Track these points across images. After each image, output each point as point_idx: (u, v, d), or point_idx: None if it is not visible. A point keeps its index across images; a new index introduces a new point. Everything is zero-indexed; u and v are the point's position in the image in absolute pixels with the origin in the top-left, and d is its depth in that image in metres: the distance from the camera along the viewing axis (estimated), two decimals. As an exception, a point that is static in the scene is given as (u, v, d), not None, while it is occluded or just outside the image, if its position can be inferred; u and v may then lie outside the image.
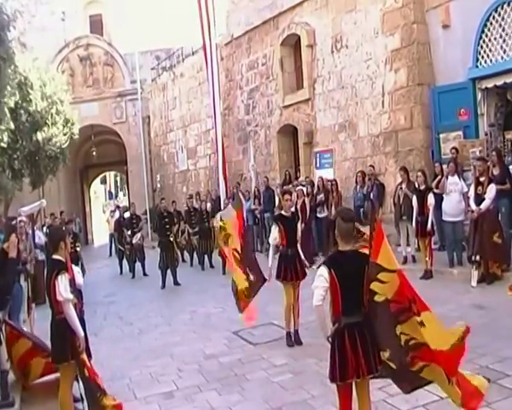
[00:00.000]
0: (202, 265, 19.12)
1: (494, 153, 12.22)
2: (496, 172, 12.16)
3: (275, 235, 9.28)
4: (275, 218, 10.12)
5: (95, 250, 34.80)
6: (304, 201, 16.62)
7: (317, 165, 19.13)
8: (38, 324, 9.93)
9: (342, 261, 5.11)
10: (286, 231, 9.24)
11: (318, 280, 5.11)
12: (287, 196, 9.47)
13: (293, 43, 20.33)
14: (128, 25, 29.96)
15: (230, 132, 23.79)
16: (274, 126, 21.35)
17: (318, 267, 5.95)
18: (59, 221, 20.20)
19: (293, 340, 9.21)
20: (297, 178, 19.82)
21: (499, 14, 13.79)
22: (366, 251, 5.19)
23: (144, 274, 19.17)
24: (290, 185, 18.51)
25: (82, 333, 6.57)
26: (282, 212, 9.54)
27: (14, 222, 11.47)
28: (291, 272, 9.15)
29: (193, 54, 26.14)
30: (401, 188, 13.71)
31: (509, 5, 13.55)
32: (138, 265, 19.50)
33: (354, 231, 5.30)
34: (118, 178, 63.86)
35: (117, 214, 25.89)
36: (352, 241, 5.23)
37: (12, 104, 19.74)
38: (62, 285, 6.45)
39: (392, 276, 4.98)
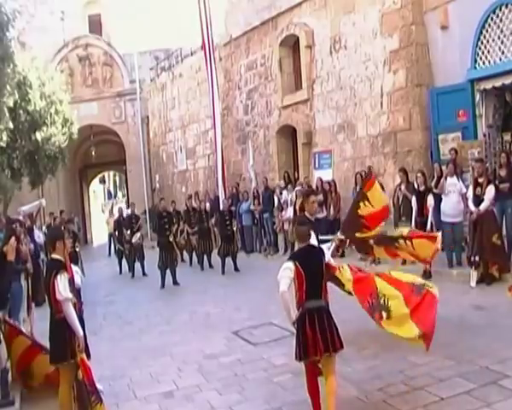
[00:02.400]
0: (201, 265, 19.11)
1: (503, 154, 12.22)
2: (503, 173, 12.20)
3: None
4: (300, 220, 9.56)
5: (94, 250, 34.80)
6: (302, 201, 16.57)
7: (316, 165, 19.15)
8: (38, 323, 9.92)
9: (303, 255, 6.13)
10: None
11: (284, 272, 6.01)
12: (313, 198, 8.14)
13: (291, 44, 20.34)
14: (127, 25, 30.00)
15: (229, 133, 23.80)
16: (273, 127, 21.37)
17: None
18: (58, 221, 20.19)
19: None
20: (296, 179, 19.84)
21: (497, 16, 13.81)
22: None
23: (144, 274, 19.17)
24: (288, 186, 18.56)
25: (81, 333, 6.58)
26: (306, 214, 7.93)
27: (14, 225, 11.48)
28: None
29: (192, 54, 26.16)
30: (400, 189, 13.72)
31: (506, 7, 13.57)
32: (138, 265, 19.50)
33: (308, 233, 6.35)
34: (117, 178, 63.88)
35: (116, 214, 25.89)
36: (307, 240, 6.26)
37: (11, 104, 19.73)
38: (62, 285, 6.47)
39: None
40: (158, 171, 32.38)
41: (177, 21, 28.40)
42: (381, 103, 16.34)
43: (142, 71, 31.23)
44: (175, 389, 7.84)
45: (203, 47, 22.37)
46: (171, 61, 29.51)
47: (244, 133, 23.21)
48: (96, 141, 36.70)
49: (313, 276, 5.99)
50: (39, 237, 16.03)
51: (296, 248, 6.54)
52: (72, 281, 6.71)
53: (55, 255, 6.74)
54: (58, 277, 6.49)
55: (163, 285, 16.35)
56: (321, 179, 17.51)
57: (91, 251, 33.19)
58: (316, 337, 5.91)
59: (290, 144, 21.20)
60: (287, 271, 5.98)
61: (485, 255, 11.33)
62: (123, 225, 20.52)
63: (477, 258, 11.41)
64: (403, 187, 13.61)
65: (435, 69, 15.43)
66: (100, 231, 40.77)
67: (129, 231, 19.84)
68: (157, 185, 32.37)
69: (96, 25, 35.05)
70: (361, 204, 9.13)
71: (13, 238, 8.46)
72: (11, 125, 20.16)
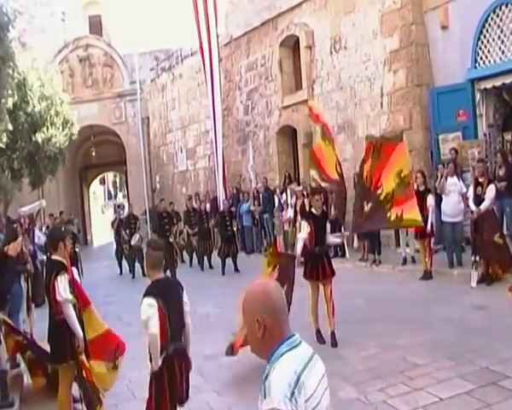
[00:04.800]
0: (201, 265, 19.08)
1: (499, 154, 12.21)
2: (501, 172, 12.20)
3: (305, 230, 9.21)
4: (306, 215, 10.07)
5: (94, 250, 34.78)
6: (303, 201, 16.64)
7: (317, 166, 19.06)
8: (38, 324, 9.91)
9: (163, 289, 5.47)
10: (315, 229, 9.23)
11: (150, 310, 5.31)
12: (317, 197, 9.52)
13: (291, 45, 20.36)
14: (127, 25, 29.97)
15: (229, 133, 23.80)
16: (273, 127, 21.38)
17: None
18: (58, 222, 20.17)
19: (331, 342, 9.01)
20: (296, 179, 19.82)
21: (497, 16, 13.84)
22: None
23: (144, 275, 19.10)
24: (288, 187, 18.54)
25: (81, 334, 6.56)
26: (313, 210, 9.52)
27: (15, 225, 11.45)
28: (317, 271, 9.15)
29: (192, 55, 26.15)
30: None
31: (506, 6, 13.59)
32: (138, 265, 19.46)
33: (162, 260, 5.78)
34: (117, 179, 63.86)
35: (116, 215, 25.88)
36: (161, 268, 5.73)
37: (10, 104, 19.72)
38: (62, 286, 6.45)
39: None
40: (158, 171, 32.38)
41: (178, 22, 28.39)
42: (382, 103, 16.34)
43: (142, 71, 31.10)
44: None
45: (200, 48, 22.36)
46: (172, 62, 29.52)
47: (244, 134, 23.21)
48: (96, 142, 36.69)
49: (173, 313, 5.47)
50: (39, 238, 16.00)
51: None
52: (72, 282, 6.69)
53: (55, 256, 6.72)
54: (58, 278, 6.48)
55: (163, 286, 16.29)
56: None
57: (91, 252, 33.17)
58: (182, 386, 5.62)
59: (290, 145, 21.20)
60: (152, 309, 5.32)
61: (487, 255, 11.32)
62: (121, 226, 20.50)
63: (477, 258, 11.37)
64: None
65: (435, 69, 15.44)
66: (100, 231, 40.76)
67: (127, 232, 19.80)
68: (157, 186, 32.36)
69: (96, 25, 35.04)
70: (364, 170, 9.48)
71: (20, 238, 8.47)
72: (10, 127, 20.12)
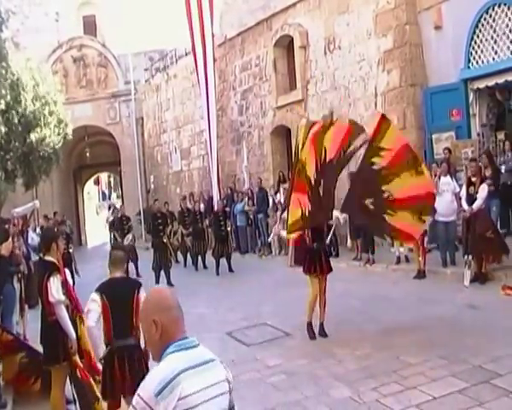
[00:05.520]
0: (196, 266, 19.07)
1: (484, 155, 12.25)
2: (488, 173, 12.26)
3: None
4: None
5: (88, 251, 34.71)
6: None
7: (311, 165, 19.05)
8: (31, 325, 9.89)
9: (112, 286, 5.82)
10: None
11: (92, 304, 5.70)
12: None
13: (286, 45, 20.36)
14: (121, 26, 29.93)
15: (224, 133, 23.79)
16: (267, 127, 21.38)
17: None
18: (52, 222, 20.12)
19: (318, 332, 9.37)
20: (289, 179, 19.80)
21: (490, 16, 13.88)
22: None
23: (138, 275, 19.07)
24: (281, 187, 18.53)
25: (74, 335, 6.54)
26: None
27: (7, 226, 11.44)
28: (315, 266, 9.39)
29: (186, 55, 26.10)
30: None
31: (499, 7, 13.64)
32: (132, 266, 19.42)
33: (123, 260, 6.23)
34: (111, 179, 63.75)
35: (110, 215, 25.90)
36: (121, 267, 6.05)
37: (4, 105, 19.68)
38: (54, 287, 6.43)
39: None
40: (152, 172, 32.34)
41: (172, 22, 28.35)
42: (376, 103, 16.35)
43: (136, 72, 31.15)
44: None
45: (192, 49, 22.35)
46: (166, 62, 29.47)
47: (239, 134, 23.21)
48: (90, 142, 36.61)
49: (120, 311, 5.64)
50: (33, 239, 15.96)
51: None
52: (65, 283, 6.67)
53: (48, 257, 6.71)
54: (51, 279, 6.46)
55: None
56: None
57: (86, 253, 33.08)
58: (125, 381, 5.60)
59: (284, 145, 21.19)
60: (94, 304, 5.67)
61: (478, 251, 11.35)
62: (114, 227, 20.47)
63: (470, 257, 11.41)
64: None
65: (429, 69, 15.47)
66: (94, 232, 40.70)
67: (120, 233, 19.76)
68: (152, 186, 32.33)
69: (90, 26, 34.97)
70: (374, 160, 9.22)
71: (10, 239, 8.45)
72: (2, 129, 20.10)
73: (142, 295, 5.73)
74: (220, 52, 23.50)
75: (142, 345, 6.01)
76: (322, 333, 9.35)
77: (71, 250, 16.02)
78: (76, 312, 6.88)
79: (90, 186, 52.05)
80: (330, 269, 9.58)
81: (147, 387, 2.59)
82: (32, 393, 7.86)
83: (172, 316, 2.75)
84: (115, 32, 31.65)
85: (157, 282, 16.28)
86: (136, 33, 28.99)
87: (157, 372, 2.63)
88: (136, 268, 19.19)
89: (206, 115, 21.95)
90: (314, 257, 9.47)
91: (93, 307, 5.66)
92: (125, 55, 31.01)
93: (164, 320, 2.71)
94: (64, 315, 6.49)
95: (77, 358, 6.59)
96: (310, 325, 9.41)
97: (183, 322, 2.78)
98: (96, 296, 5.68)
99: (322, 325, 9.40)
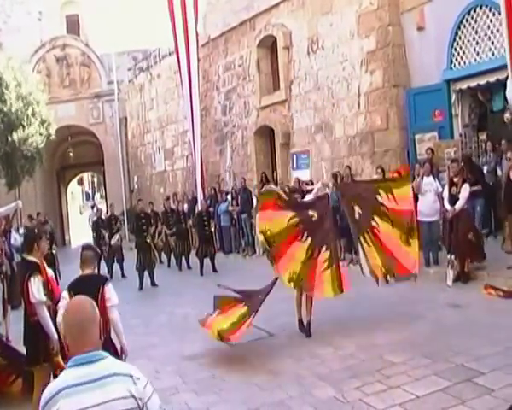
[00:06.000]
0: (180, 266, 19.07)
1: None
2: (470, 175, 12.35)
3: None
4: None
5: (72, 252, 34.50)
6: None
7: (294, 166, 19.14)
8: (14, 326, 9.84)
9: (79, 284, 6.15)
10: None
11: (62, 302, 6.08)
12: (297, 196, 10.23)
13: (269, 45, 20.35)
14: (105, 25, 29.79)
15: (207, 133, 23.76)
16: (251, 127, 21.37)
17: None
18: (35, 222, 20.01)
19: (301, 331, 9.54)
20: (274, 179, 19.83)
21: (472, 18, 13.96)
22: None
23: (123, 275, 19.03)
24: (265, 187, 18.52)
25: (56, 336, 6.50)
26: None
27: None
28: None
29: (170, 55, 25.98)
30: None
31: (481, 8, 13.73)
32: (116, 266, 19.36)
33: (95, 259, 6.79)
34: (95, 179, 63.48)
35: (93, 214, 25.75)
36: (91, 266, 6.49)
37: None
38: (35, 287, 6.42)
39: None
40: (136, 172, 32.23)
41: (156, 22, 28.25)
42: (359, 104, 16.40)
43: (120, 72, 31.05)
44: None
45: (175, 49, 22.30)
46: (150, 62, 29.36)
47: (222, 134, 23.20)
48: (73, 142, 36.46)
49: None
50: (16, 239, 15.88)
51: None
52: (46, 283, 6.65)
53: (30, 257, 6.69)
54: (32, 279, 6.44)
55: (141, 287, 16.27)
56: (298, 180, 17.48)
57: (69, 253, 32.85)
58: None
59: (268, 145, 21.18)
60: (63, 301, 6.01)
61: (461, 253, 11.43)
62: (101, 227, 20.38)
63: (453, 257, 11.48)
64: None
65: (412, 70, 15.54)
66: (78, 232, 40.45)
67: (108, 232, 19.69)
68: (135, 186, 32.22)
69: (73, 25, 34.77)
70: (381, 192, 9.72)
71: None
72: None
73: (108, 289, 6.20)
74: (204, 52, 23.46)
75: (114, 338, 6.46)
76: (307, 333, 9.43)
77: (54, 252, 15.95)
78: None
79: (73, 186, 51.74)
80: None
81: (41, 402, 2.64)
82: (14, 394, 7.84)
83: (72, 333, 2.73)
84: (98, 32, 31.49)
85: (141, 282, 16.27)
86: (119, 33, 28.87)
87: (46, 388, 2.67)
88: (122, 268, 19.15)
89: (189, 115, 21.91)
90: None
91: (62, 305, 5.95)
92: (109, 55, 30.86)
93: (67, 334, 2.74)
94: (45, 316, 6.47)
95: (59, 359, 6.56)
96: (300, 321, 9.56)
97: (86, 336, 2.73)
98: (65, 294, 6.07)
99: (308, 323, 9.50)
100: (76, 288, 5.95)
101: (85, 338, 2.70)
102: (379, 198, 9.75)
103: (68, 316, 2.79)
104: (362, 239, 9.70)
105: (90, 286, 5.99)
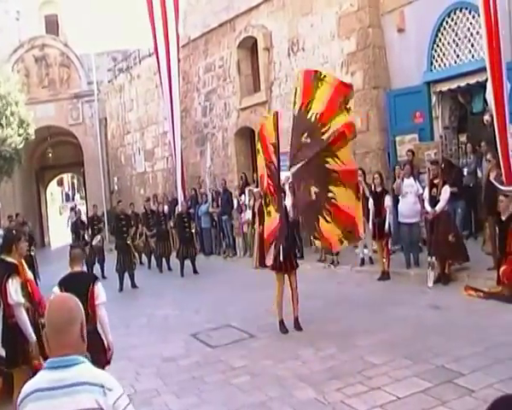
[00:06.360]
0: (160, 267, 19.01)
1: (443, 165, 12.36)
2: (452, 176, 12.44)
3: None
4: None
5: (52, 253, 34.28)
6: (261, 203, 16.62)
7: (275, 167, 19.06)
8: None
9: (70, 280, 6.44)
10: None
11: (52, 297, 5.99)
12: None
13: (249, 46, 20.34)
14: (84, 25, 29.63)
15: (188, 134, 23.68)
16: (231, 129, 21.36)
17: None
18: (14, 223, 19.83)
19: (293, 326, 9.60)
20: (254, 180, 19.79)
21: (452, 20, 14.02)
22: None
23: (103, 277, 18.88)
24: (246, 189, 18.52)
25: (34, 338, 6.45)
26: None
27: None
28: (282, 264, 9.62)
29: (150, 55, 25.88)
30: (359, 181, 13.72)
31: (461, 11, 13.79)
32: (97, 267, 19.21)
33: (81, 256, 7.09)
34: (75, 180, 63.12)
35: (73, 215, 25.55)
36: (79, 264, 6.81)
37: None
38: (13, 288, 6.37)
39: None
40: (116, 173, 32.08)
41: (136, 22, 28.11)
42: (339, 105, 16.37)
43: (99, 72, 30.87)
44: (133, 393, 7.69)
45: (155, 49, 22.18)
46: (129, 63, 29.25)
47: (202, 135, 23.15)
48: (53, 143, 36.20)
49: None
50: (-6, 240, 15.69)
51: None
52: (25, 285, 6.59)
53: (8, 258, 6.63)
54: (9, 281, 6.39)
55: (121, 288, 16.20)
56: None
57: (49, 254, 32.69)
58: None
59: (248, 146, 21.16)
60: (53, 296, 6.17)
61: (441, 254, 11.46)
62: (80, 228, 20.24)
63: (433, 258, 11.51)
64: (362, 182, 13.63)
65: (392, 71, 15.58)
66: (58, 233, 40.21)
67: (90, 233, 19.55)
68: (115, 187, 32.07)
69: (52, 25, 34.51)
70: (329, 160, 9.53)
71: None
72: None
73: (97, 287, 6.46)
74: (184, 53, 23.37)
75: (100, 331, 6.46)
76: (298, 327, 9.58)
77: (33, 253, 15.80)
78: (40, 314, 6.79)
79: (53, 187, 51.43)
80: (297, 266, 9.90)
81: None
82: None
83: (51, 334, 2.67)
84: (78, 32, 31.31)
85: (121, 284, 16.20)
86: (99, 33, 28.70)
87: (22, 389, 2.65)
88: (102, 269, 19.02)
89: (169, 117, 21.80)
90: (282, 255, 9.58)
91: None
92: (88, 55, 30.68)
93: (47, 333, 2.69)
94: (23, 317, 6.41)
95: (40, 360, 6.49)
96: (281, 322, 9.60)
97: (64, 337, 2.66)
98: (56, 289, 6.24)
99: (296, 319, 9.63)
100: (67, 284, 6.20)
101: (63, 340, 2.64)
102: (328, 166, 9.56)
103: (48, 315, 2.72)
104: (322, 219, 9.60)
105: (80, 283, 6.30)
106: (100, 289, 6.49)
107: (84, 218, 21.97)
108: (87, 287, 6.30)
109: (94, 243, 19.03)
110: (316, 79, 9.65)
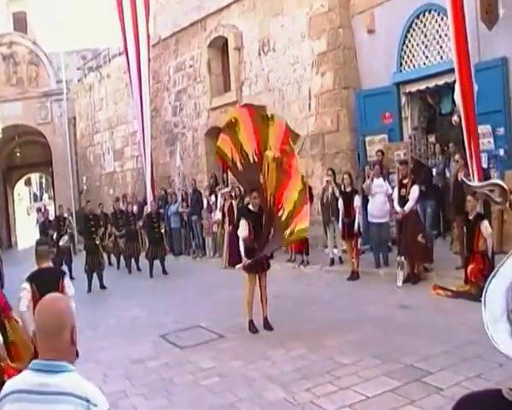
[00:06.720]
0: (129, 268, 18.86)
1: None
2: (421, 176, 12.52)
3: (244, 228, 9.74)
4: (242, 212, 11.11)
5: (19, 253, 33.86)
6: (231, 203, 16.61)
7: (245, 167, 19.02)
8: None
9: (40, 276, 6.74)
10: (252, 225, 9.70)
11: (23, 292, 6.63)
12: (255, 194, 9.86)
13: (220, 46, 20.29)
14: (53, 23, 29.33)
15: (158, 134, 23.55)
16: (201, 129, 21.29)
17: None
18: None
19: (263, 326, 9.62)
20: (225, 181, 19.76)
21: (421, 21, 14.13)
22: None
23: (71, 277, 18.65)
24: (217, 188, 18.45)
25: (1, 339, 6.33)
26: (250, 207, 10.07)
27: None
28: (256, 264, 9.56)
29: (120, 54, 25.67)
30: (328, 181, 13.75)
31: (429, 12, 13.90)
32: (65, 268, 18.99)
33: (48, 252, 7.34)
34: (43, 180, 62.41)
35: (40, 216, 25.26)
36: (47, 260, 7.11)
37: None
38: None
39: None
40: (85, 173, 31.79)
41: (106, 21, 27.89)
42: (309, 105, 16.44)
43: (69, 71, 30.56)
44: (101, 395, 7.58)
45: (124, 49, 22.02)
46: (99, 61, 29.04)
47: (172, 135, 23.05)
48: (20, 142, 35.75)
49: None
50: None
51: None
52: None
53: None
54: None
55: (90, 289, 16.02)
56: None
57: (16, 255, 32.27)
58: None
59: (219, 146, 21.02)
60: (24, 291, 6.62)
61: (411, 255, 11.53)
62: (48, 228, 20.00)
63: (403, 258, 11.56)
64: (332, 182, 13.66)
65: (362, 72, 15.65)
66: (25, 233, 39.73)
67: (56, 234, 19.31)
68: (84, 187, 31.78)
69: (20, 23, 34.12)
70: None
71: None
72: None
73: (66, 282, 6.87)
74: (154, 53, 23.22)
75: None
76: (268, 326, 9.57)
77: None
78: (4, 315, 6.67)
79: (20, 187, 50.83)
80: (268, 266, 9.91)
81: None
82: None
83: (41, 333, 2.56)
84: (47, 30, 30.98)
85: (89, 285, 16.03)
86: (68, 31, 28.43)
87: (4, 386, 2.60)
88: (70, 270, 18.76)
89: (139, 116, 21.63)
90: (254, 256, 9.55)
91: (24, 295, 6.53)
92: (57, 54, 30.31)
93: (36, 336, 2.60)
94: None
95: (8, 362, 6.36)
96: (251, 322, 9.57)
97: (52, 342, 2.52)
98: (26, 285, 6.55)
99: (266, 319, 9.66)
100: (37, 279, 6.53)
101: (50, 344, 2.51)
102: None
103: (37, 317, 2.60)
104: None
105: (50, 278, 6.63)
106: (69, 283, 6.90)
107: (52, 218, 21.70)
108: (57, 281, 6.60)
109: (61, 243, 18.79)
110: (263, 119, 9.92)
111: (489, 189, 2.24)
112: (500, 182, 2.05)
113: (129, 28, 21.18)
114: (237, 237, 10.10)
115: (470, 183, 10.73)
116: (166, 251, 18.38)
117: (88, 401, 2.44)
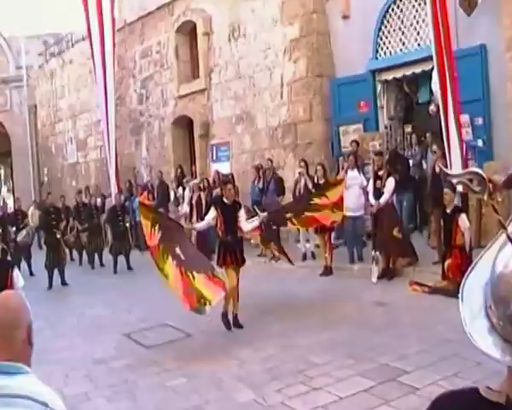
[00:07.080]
0: (92, 264, 18.42)
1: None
2: (399, 167, 12.44)
3: (212, 215, 9.70)
4: (214, 201, 11.21)
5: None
6: (199, 195, 16.24)
7: (214, 158, 18.89)
8: None
9: None
10: (224, 217, 9.58)
11: None
12: (229, 186, 10.00)
13: (188, 31, 19.98)
14: (13, 7, 28.58)
15: (122, 123, 23.00)
16: (168, 117, 20.96)
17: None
18: None
19: (232, 324, 9.45)
20: (193, 172, 19.35)
21: (398, 7, 14.05)
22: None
23: (31, 274, 18.07)
24: (184, 180, 18.07)
25: None
26: (224, 199, 9.86)
27: None
28: (231, 257, 9.51)
29: (83, 39, 25.04)
30: (301, 173, 13.44)
31: (407, -2, 13.65)
32: (24, 264, 18.37)
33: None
34: (1, 171, 61.35)
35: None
36: None
37: None
38: None
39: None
40: (46, 163, 31.12)
41: (68, 4, 27.24)
42: (281, 94, 16.27)
43: (29, 56, 29.88)
44: (61, 399, 7.03)
45: (88, 33, 21.34)
46: (61, 47, 28.40)
47: (138, 124, 22.67)
48: (-24, 131, 34.86)
49: None
50: None
51: None
52: None
53: None
54: None
55: (50, 286, 15.54)
56: (218, 172, 17.02)
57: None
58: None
59: (187, 136, 20.92)
60: None
61: (387, 250, 11.41)
62: (7, 223, 19.29)
63: (378, 253, 11.41)
64: (305, 174, 13.33)
65: (337, 59, 15.50)
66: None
67: (14, 229, 18.63)
68: (45, 179, 31.12)
69: (-22, 6, 33.26)
70: (314, 198, 10.69)
71: None
72: None
73: (16, 273, 7.30)
74: (119, 37, 22.60)
75: None
76: (238, 324, 9.42)
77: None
78: None
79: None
80: (244, 261, 9.71)
81: None
82: None
83: None
84: (6, 13, 30.21)
85: (50, 281, 15.59)
86: (29, 15, 27.70)
87: None
88: (29, 266, 18.21)
89: (103, 104, 21.01)
90: (228, 249, 9.50)
91: None
92: (17, 38, 29.57)
93: None
94: None
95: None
96: (225, 315, 9.34)
97: (5, 343, 2.25)
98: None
99: (236, 316, 9.48)
100: None
101: (3, 344, 2.27)
102: (312, 202, 10.50)
103: None
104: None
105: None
106: (18, 275, 7.28)
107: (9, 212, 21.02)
108: (6, 273, 6.82)
109: (19, 239, 18.21)
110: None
111: (467, 177, 2.07)
112: (479, 170, 2.00)
113: (93, 11, 20.52)
114: (205, 230, 10.00)
115: (448, 171, 10.50)
116: (131, 246, 17.93)
117: (46, 405, 2.24)
